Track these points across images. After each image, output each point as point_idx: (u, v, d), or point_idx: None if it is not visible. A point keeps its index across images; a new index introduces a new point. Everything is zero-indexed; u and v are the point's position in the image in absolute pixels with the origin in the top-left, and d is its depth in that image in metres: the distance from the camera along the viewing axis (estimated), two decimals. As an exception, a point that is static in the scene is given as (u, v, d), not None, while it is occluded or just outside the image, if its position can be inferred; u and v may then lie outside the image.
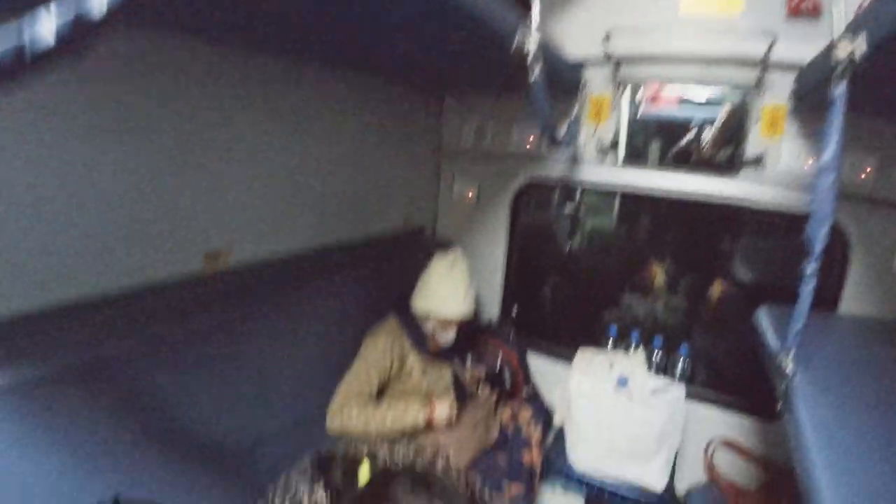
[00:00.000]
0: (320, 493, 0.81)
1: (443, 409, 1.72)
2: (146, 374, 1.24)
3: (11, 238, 1.01)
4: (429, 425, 1.70)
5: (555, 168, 2.22)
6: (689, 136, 2.04)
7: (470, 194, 2.43)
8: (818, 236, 1.04)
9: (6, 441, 0.99)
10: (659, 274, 3.61)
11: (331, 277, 1.85)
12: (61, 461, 1.07)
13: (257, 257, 1.62)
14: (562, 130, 1.80)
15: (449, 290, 1.79)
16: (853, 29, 1.05)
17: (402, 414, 1.66)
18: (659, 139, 2.10)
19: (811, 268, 1.04)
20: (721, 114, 1.98)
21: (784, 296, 1.23)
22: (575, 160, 2.17)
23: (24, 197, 1.02)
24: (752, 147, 1.88)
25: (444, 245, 2.37)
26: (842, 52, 1.04)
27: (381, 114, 2.07)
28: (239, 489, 1.14)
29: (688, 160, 2.03)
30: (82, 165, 1.10)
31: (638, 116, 2.10)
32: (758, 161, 1.86)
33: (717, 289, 3.37)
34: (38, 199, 1.04)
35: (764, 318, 1.45)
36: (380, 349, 1.73)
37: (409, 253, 2.19)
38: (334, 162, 1.87)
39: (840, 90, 1.08)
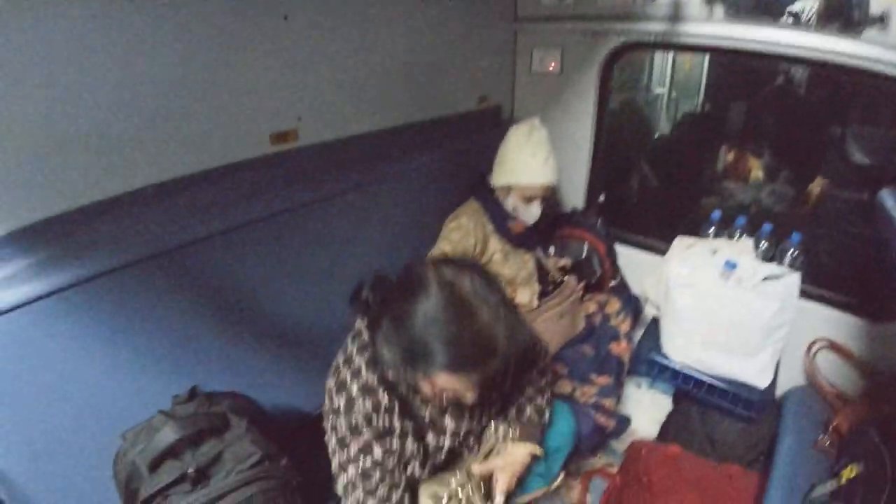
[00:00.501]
0: None
1: (524, 293, 1.65)
2: (218, 260, 1.21)
3: (74, 125, 0.95)
4: None
5: (652, 24, 1.86)
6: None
7: (552, 65, 2.13)
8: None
9: (90, 329, 0.99)
10: (756, 166, 3.23)
11: (404, 159, 1.72)
12: (137, 354, 1.09)
13: (325, 138, 1.50)
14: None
15: (528, 156, 1.65)
16: None
17: None
18: None
19: None
20: None
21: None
22: (676, 14, 1.81)
23: (81, 79, 0.94)
24: (875, 4, 1.50)
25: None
26: None
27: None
28: (319, 377, 1.12)
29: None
30: (139, 44, 1.00)
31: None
32: (883, 19, 1.51)
33: (827, 175, 2.97)
34: (96, 80, 0.96)
35: (890, 200, 1.29)
36: (462, 231, 1.65)
37: (486, 133, 1.99)
38: (401, 35, 1.66)
39: None
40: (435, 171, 1.82)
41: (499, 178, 1.70)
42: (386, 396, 1.00)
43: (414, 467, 1.09)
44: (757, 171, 3.25)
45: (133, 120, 1.03)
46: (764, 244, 1.91)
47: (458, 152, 1.91)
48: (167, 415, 0.99)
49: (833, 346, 1.83)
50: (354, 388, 1.00)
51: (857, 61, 1.58)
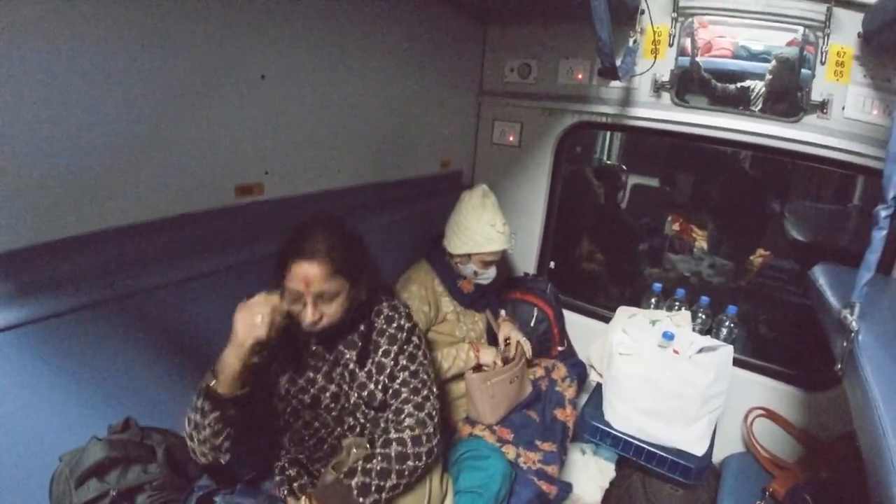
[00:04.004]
0: None
1: (487, 354, 1.71)
2: (175, 305, 1.20)
3: (41, 167, 0.95)
4: (476, 369, 1.71)
5: (605, 107, 2.03)
6: (747, 82, 1.93)
7: (511, 137, 2.27)
8: (894, 178, 0.91)
9: (43, 364, 0.98)
10: (700, 237, 3.44)
11: (367, 217, 1.77)
12: (84, 389, 1.06)
13: (291, 193, 1.54)
14: (618, 60, 1.62)
15: (487, 226, 1.71)
16: None
17: (454, 358, 1.68)
18: (716, 82, 1.97)
19: (886, 212, 0.95)
20: (773, 63, 1.86)
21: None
22: (628, 98, 1.99)
23: (49, 121, 0.95)
24: (816, 91, 1.73)
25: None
26: None
27: (421, 47, 1.92)
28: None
29: (746, 104, 1.90)
30: (109, 91, 1.02)
31: (695, 57, 1.93)
32: (822, 106, 1.72)
33: (765, 249, 3.20)
34: (64, 123, 0.97)
35: (821, 276, 1.37)
36: (415, 300, 1.67)
37: (444, 197, 2.08)
38: (371, 98, 1.75)
39: None
40: (396, 230, 1.87)
41: (458, 246, 1.74)
42: None
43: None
44: (701, 242, 3.46)
45: (101, 162, 1.04)
46: (702, 316, 2.02)
47: (419, 213, 1.98)
48: (99, 439, 1.03)
49: (769, 414, 1.93)
50: None
51: (799, 146, 1.77)
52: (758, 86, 1.90)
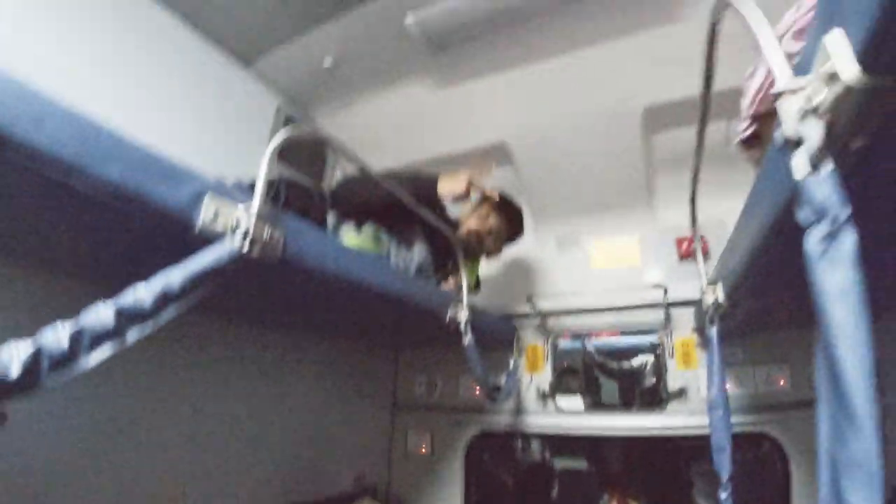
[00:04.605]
0: None
1: None
2: None
3: None
4: None
5: (501, 418, 2.33)
6: (639, 358, 2.24)
7: (423, 448, 2.44)
8: (723, 463, 1.17)
9: None
10: None
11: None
12: None
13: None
14: (502, 380, 1.99)
15: None
16: (713, 280, 1.37)
17: None
18: (591, 384, 2.32)
19: (725, 494, 1.14)
20: (638, 362, 2.26)
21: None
22: (519, 409, 2.31)
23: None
24: (673, 381, 2.05)
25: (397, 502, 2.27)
26: (708, 298, 1.33)
27: (338, 371, 2.23)
28: None
29: (641, 377, 2.19)
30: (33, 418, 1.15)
31: (566, 366, 2.35)
32: (681, 393, 2.01)
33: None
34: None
35: None
36: None
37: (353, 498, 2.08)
38: (288, 420, 1.92)
39: (713, 332, 1.33)
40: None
41: None
42: None
43: None
44: None
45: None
46: None
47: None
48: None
49: None
50: None
51: (669, 431, 1.99)
52: (649, 360, 2.20)
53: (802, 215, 0.49)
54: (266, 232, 0.80)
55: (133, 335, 0.62)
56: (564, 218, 2.42)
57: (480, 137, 2.34)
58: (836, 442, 0.44)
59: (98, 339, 0.58)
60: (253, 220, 0.77)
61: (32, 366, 0.51)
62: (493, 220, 1.93)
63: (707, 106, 0.99)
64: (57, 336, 0.55)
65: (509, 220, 1.98)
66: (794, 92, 0.50)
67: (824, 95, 0.48)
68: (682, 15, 1.70)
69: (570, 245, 2.41)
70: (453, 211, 1.91)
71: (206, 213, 0.73)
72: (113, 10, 1.61)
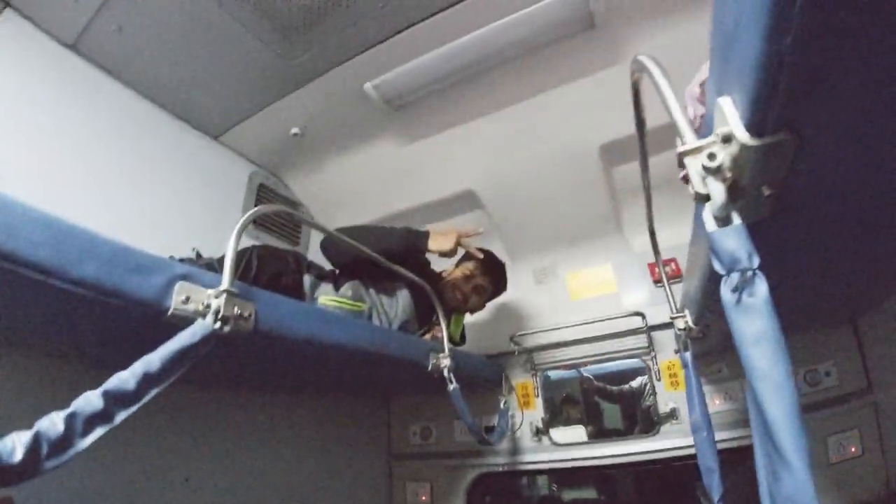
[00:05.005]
0: None
1: None
2: None
3: None
4: None
5: (500, 458, 2.31)
6: (637, 380, 2.28)
7: (423, 497, 2.40)
8: (713, 484, 1.18)
9: None
10: None
11: None
12: None
13: None
14: (495, 421, 1.99)
15: None
16: (680, 308, 1.41)
17: None
18: (592, 412, 2.34)
19: None
20: (637, 383, 2.28)
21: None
22: (515, 447, 2.30)
23: None
24: (663, 403, 2.06)
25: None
26: (679, 324, 1.37)
27: (330, 428, 2.21)
28: None
29: (639, 398, 2.21)
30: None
31: (564, 395, 2.37)
32: (672, 415, 2.02)
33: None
34: None
35: None
36: None
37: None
38: (284, 482, 1.90)
39: (687, 356, 1.36)
40: None
41: None
42: None
43: None
44: None
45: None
46: None
47: None
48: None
49: None
50: None
51: (663, 454, 1.98)
52: (646, 381, 2.21)
53: (716, 266, 0.53)
54: (236, 308, 0.83)
55: (120, 416, 0.66)
56: (539, 252, 2.48)
57: (448, 187, 2.42)
58: (772, 479, 0.46)
59: (90, 422, 0.62)
60: (223, 300, 0.81)
61: (33, 451, 0.56)
62: (478, 277, 1.99)
63: (644, 146, 1.06)
64: (53, 422, 0.59)
65: (493, 277, 2.04)
66: (697, 151, 0.55)
67: (723, 155, 0.53)
68: (624, 57, 1.81)
69: (547, 278, 2.46)
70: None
71: (178, 299, 0.77)
72: (82, 99, 1.67)
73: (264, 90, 1.94)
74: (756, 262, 0.50)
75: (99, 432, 0.64)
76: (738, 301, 0.49)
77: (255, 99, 1.99)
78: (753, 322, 0.48)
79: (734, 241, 0.52)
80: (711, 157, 0.54)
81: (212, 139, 2.18)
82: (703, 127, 0.67)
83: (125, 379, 0.66)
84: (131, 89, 1.83)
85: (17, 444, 0.55)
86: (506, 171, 2.28)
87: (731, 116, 0.52)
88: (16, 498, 0.92)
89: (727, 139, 0.52)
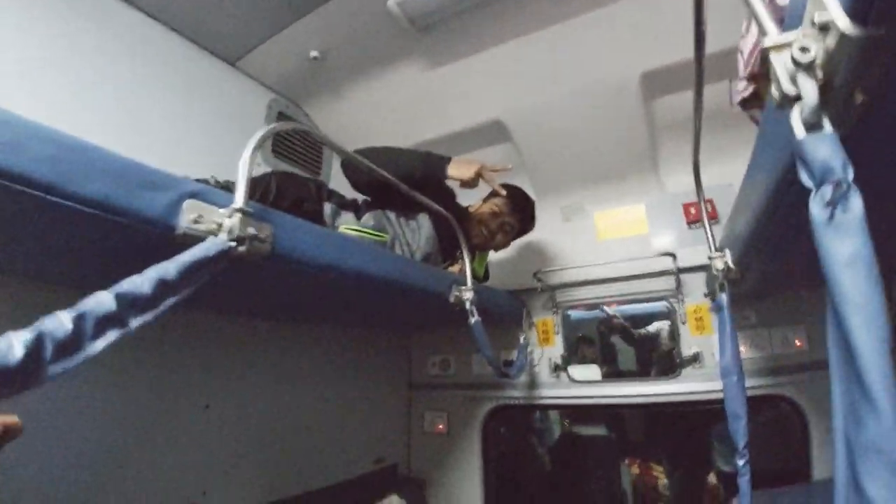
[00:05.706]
0: None
1: None
2: None
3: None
4: None
5: (516, 392, 2.34)
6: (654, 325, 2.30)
7: (441, 426, 2.47)
8: (739, 431, 1.15)
9: None
10: (660, 471, 3.43)
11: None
12: None
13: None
14: (514, 356, 1.99)
15: None
16: (721, 246, 1.33)
17: None
18: (607, 353, 2.35)
19: (742, 461, 1.12)
20: (655, 328, 2.24)
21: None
22: (533, 382, 2.31)
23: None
24: (686, 347, 2.03)
25: (415, 482, 2.30)
26: (717, 265, 1.30)
27: (352, 357, 2.24)
28: None
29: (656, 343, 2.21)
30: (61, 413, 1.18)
31: (581, 335, 2.35)
32: (695, 359, 1.99)
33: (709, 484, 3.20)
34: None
35: None
36: None
37: (381, 493, 2.12)
38: (306, 408, 1.95)
39: (723, 298, 1.30)
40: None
41: None
42: None
43: None
44: (663, 479, 3.42)
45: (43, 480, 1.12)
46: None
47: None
48: None
49: None
50: None
51: (683, 397, 1.97)
52: (665, 326, 2.22)
53: (804, 178, 0.46)
54: (251, 229, 0.79)
55: (135, 322, 0.59)
56: (568, 190, 2.38)
57: (476, 116, 2.30)
58: (852, 424, 0.41)
59: (101, 324, 0.56)
60: (236, 219, 0.76)
61: (35, 351, 0.48)
62: (505, 215, 1.92)
63: (701, 69, 0.95)
64: (59, 320, 0.51)
65: (522, 215, 1.97)
66: (783, 47, 0.46)
67: (816, 49, 0.45)
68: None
69: (575, 216, 2.38)
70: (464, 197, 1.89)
71: (188, 217, 0.72)
72: (95, 22, 1.59)
73: (281, 9, 1.81)
74: (851, 173, 0.43)
75: (112, 336, 0.56)
76: (831, 217, 0.42)
77: (272, 19, 1.87)
78: (847, 242, 0.41)
79: (828, 148, 0.44)
80: (804, 50, 0.45)
81: (229, 66, 2.08)
82: (785, 21, 0.56)
83: (138, 283, 0.60)
84: (144, 13, 1.74)
85: (14, 342, 0.47)
86: (537, 100, 2.14)
87: (830, 1, 0.43)
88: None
89: (824, 29, 0.44)
